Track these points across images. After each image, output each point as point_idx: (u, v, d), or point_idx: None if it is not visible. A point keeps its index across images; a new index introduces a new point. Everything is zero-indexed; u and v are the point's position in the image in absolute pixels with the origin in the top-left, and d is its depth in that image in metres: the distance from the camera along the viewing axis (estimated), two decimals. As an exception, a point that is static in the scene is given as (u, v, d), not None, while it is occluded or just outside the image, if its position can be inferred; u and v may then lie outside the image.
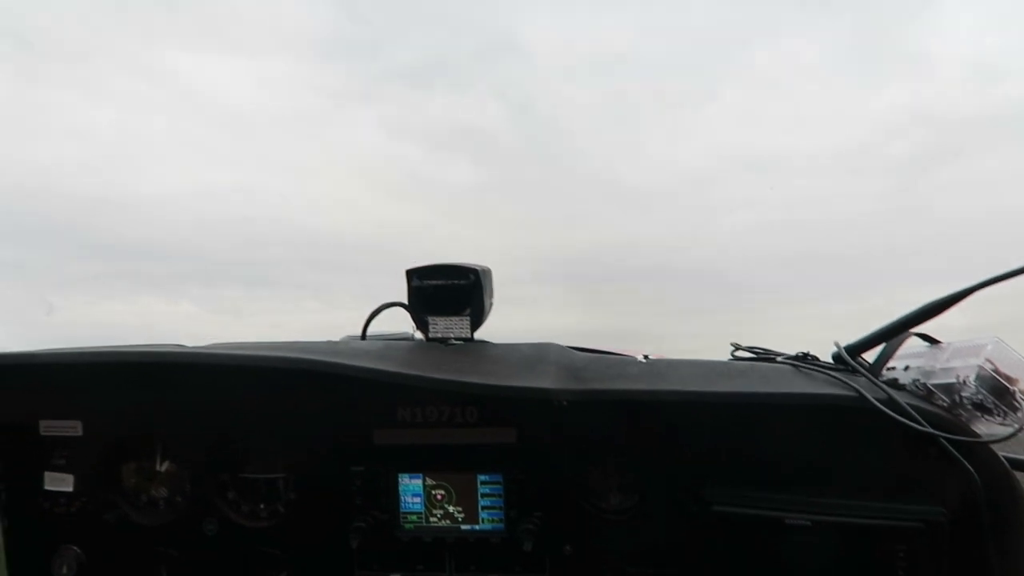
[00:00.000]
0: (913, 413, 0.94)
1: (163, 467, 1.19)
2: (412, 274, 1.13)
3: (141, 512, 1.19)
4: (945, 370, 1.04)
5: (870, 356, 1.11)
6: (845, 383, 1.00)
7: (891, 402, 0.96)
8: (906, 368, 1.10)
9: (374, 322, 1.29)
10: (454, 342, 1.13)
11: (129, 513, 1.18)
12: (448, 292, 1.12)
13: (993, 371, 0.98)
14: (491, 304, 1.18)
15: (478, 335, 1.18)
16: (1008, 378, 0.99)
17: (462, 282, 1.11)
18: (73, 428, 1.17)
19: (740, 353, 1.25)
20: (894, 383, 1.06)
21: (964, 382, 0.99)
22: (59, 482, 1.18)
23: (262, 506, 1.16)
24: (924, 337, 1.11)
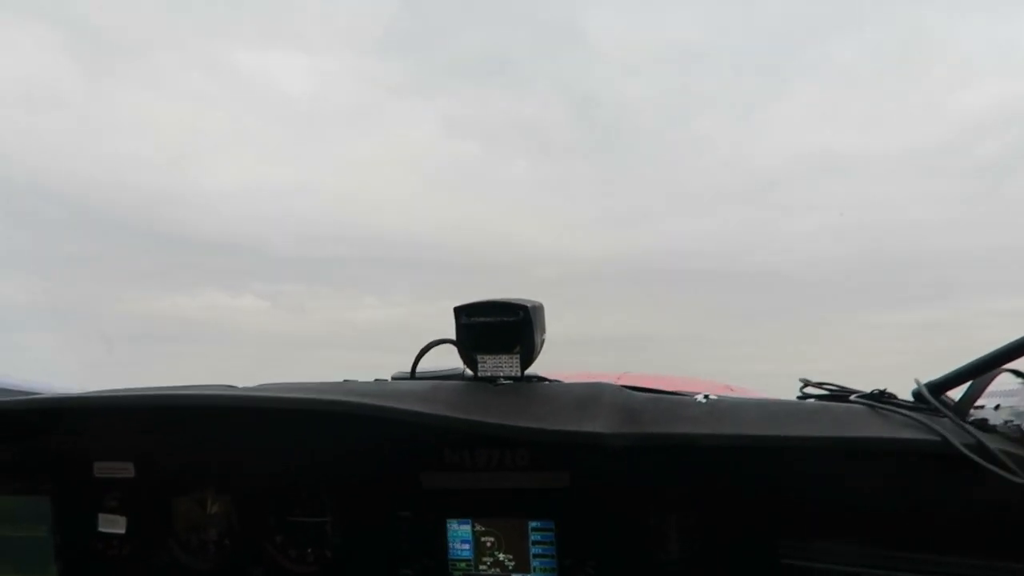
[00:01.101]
0: (1006, 460, 0.86)
1: (213, 509, 1.19)
2: (461, 311, 1.10)
3: (191, 555, 1.19)
4: None
5: (955, 393, 1.03)
6: (927, 426, 0.92)
7: (980, 447, 0.88)
8: (996, 407, 1.02)
9: (425, 357, 1.27)
10: (504, 381, 1.10)
11: (180, 556, 1.18)
12: (497, 329, 1.09)
13: None
14: (543, 340, 1.15)
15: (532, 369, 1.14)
16: None
17: (511, 319, 1.08)
18: (125, 470, 1.18)
19: (810, 389, 1.17)
20: (983, 424, 0.98)
21: None
22: (112, 524, 1.19)
23: (309, 550, 1.14)
24: (1017, 373, 1.03)
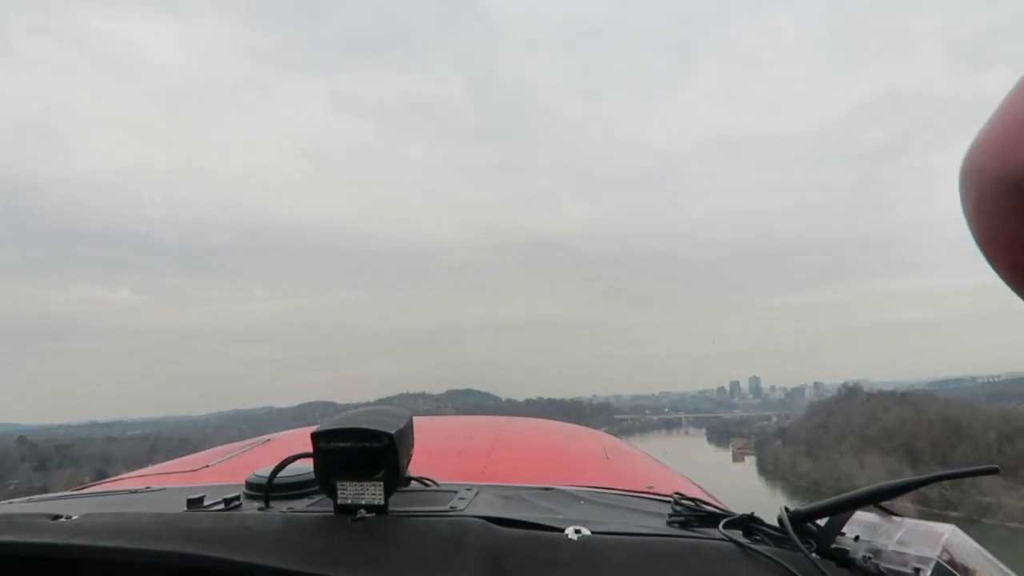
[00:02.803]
0: None
1: None
2: (319, 436, 1.03)
3: None
4: (899, 553, 0.99)
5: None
6: (788, 570, 0.94)
7: None
8: (856, 538, 1.05)
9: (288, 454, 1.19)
10: (364, 513, 1.03)
11: None
12: (359, 455, 1.02)
13: (949, 562, 0.94)
14: (409, 458, 1.10)
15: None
16: (965, 570, 0.95)
17: (375, 445, 1.02)
18: None
19: (680, 507, 1.18)
20: (843, 557, 1.01)
21: (919, 573, 0.95)
22: None
23: None
24: (882, 509, 1.06)
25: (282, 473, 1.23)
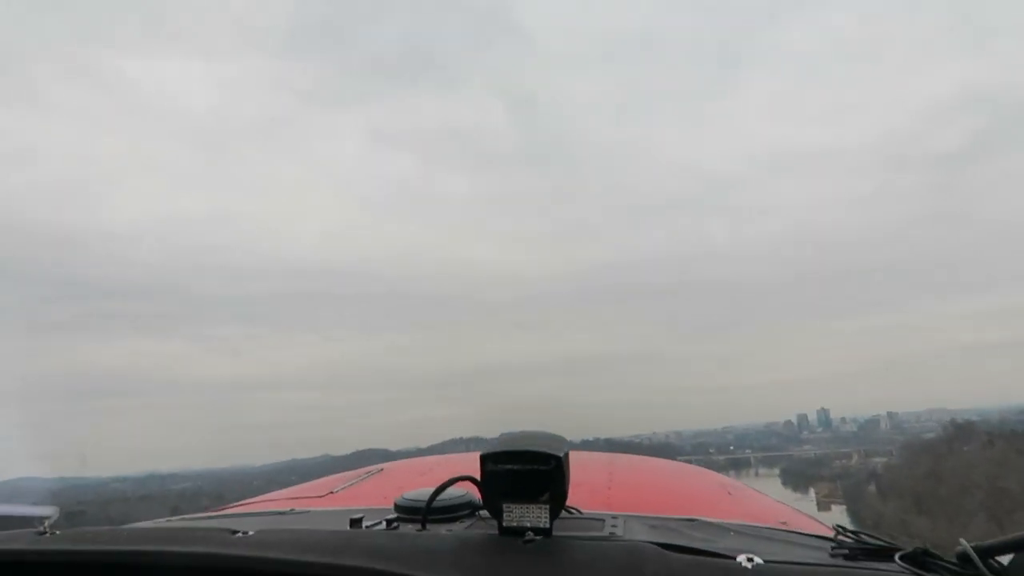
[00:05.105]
0: None
1: None
2: (488, 458, 1.08)
3: None
4: None
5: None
6: None
7: None
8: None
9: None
10: (531, 536, 1.07)
11: None
12: (527, 478, 1.07)
13: None
14: (568, 481, 1.14)
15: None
16: None
17: (543, 468, 1.06)
18: None
19: (845, 539, 1.18)
20: None
21: None
22: None
23: None
24: None
25: (413, 496, 1.29)
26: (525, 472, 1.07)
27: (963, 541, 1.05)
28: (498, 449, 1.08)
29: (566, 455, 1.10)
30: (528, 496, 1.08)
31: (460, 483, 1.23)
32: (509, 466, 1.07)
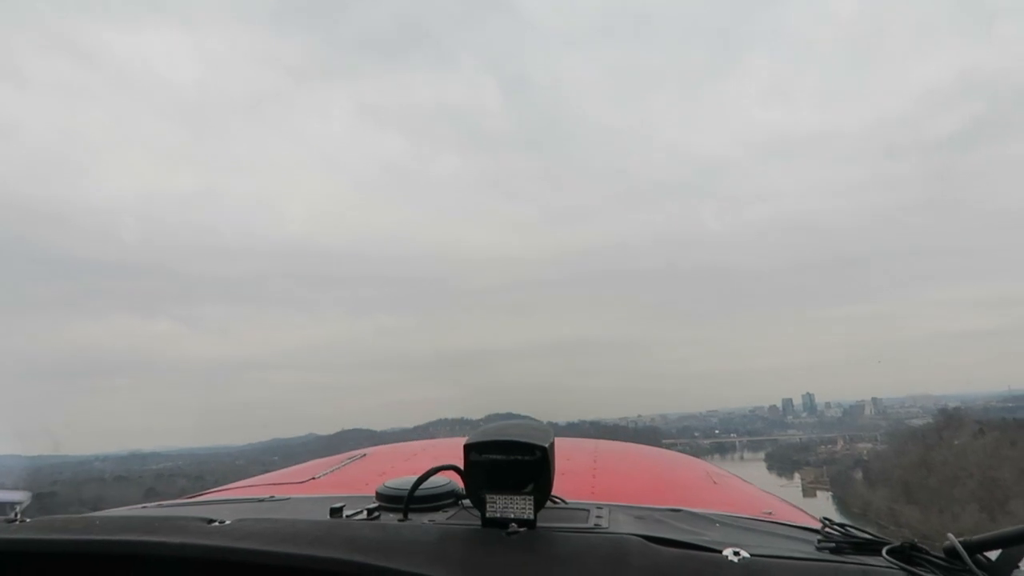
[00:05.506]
0: None
1: None
2: (471, 448, 1.06)
3: None
4: None
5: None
6: None
7: None
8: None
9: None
10: (515, 527, 1.05)
11: None
12: (510, 468, 1.05)
13: None
14: (553, 471, 1.12)
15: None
16: None
17: (527, 458, 1.04)
18: None
19: (832, 531, 1.17)
20: None
21: None
22: None
23: None
24: None
25: (396, 484, 1.28)
26: (509, 463, 1.05)
27: (951, 536, 1.04)
28: (482, 439, 1.06)
29: (551, 445, 1.08)
30: (512, 487, 1.06)
31: (443, 472, 1.21)
32: (493, 456, 1.05)
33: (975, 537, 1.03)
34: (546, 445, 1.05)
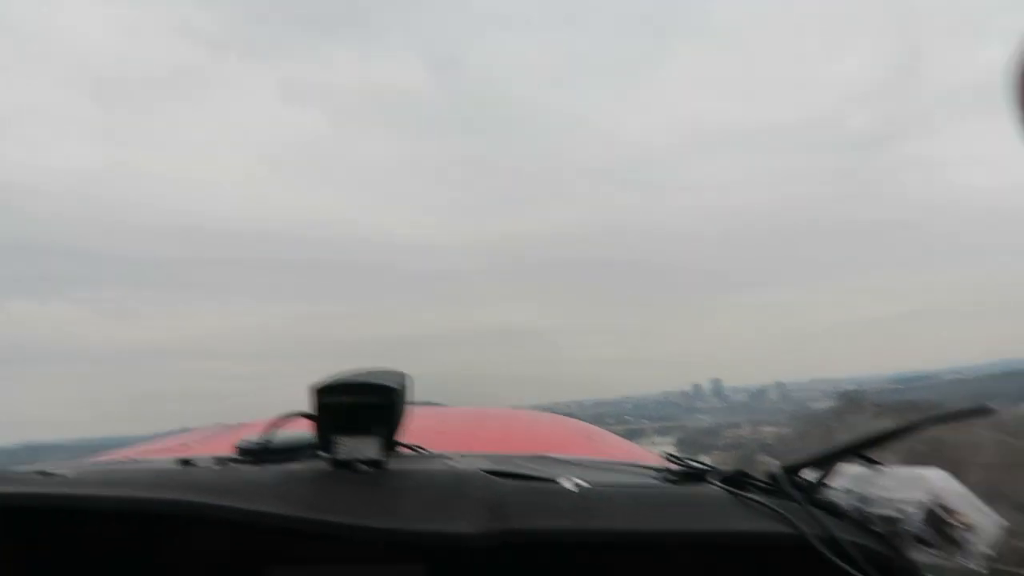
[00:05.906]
0: (855, 554, 0.95)
1: None
2: (320, 391, 1.06)
3: None
4: (887, 499, 1.06)
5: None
6: (781, 515, 1.00)
7: (831, 541, 0.96)
8: (847, 491, 1.12)
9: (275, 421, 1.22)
10: (362, 467, 1.07)
11: None
12: (359, 410, 1.06)
13: (938, 506, 1.01)
14: (404, 414, 1.14)
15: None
16: (952, 514, 1.02)
17: (375, 400, 1.06)
18: None
19: (673, 464, 1.24)
20: (832, 507, 1.07)
21: (907, 517, 1.02)
22: None
23: None
24: (863, 456, 1.13)
25: (265, 437, 1.27)
26: (358, 405, 1.06)
27: (770, 459, 1.13)
28: (330, 382, 1.07)
29: (402, 387, 1.10)
30: (361, 429, 1.08)
31: (302, 423, 1.21)
32: (342, 398, 1.06)
33: (791, 460, 1.12)
34: (394, 387, 1.07)
